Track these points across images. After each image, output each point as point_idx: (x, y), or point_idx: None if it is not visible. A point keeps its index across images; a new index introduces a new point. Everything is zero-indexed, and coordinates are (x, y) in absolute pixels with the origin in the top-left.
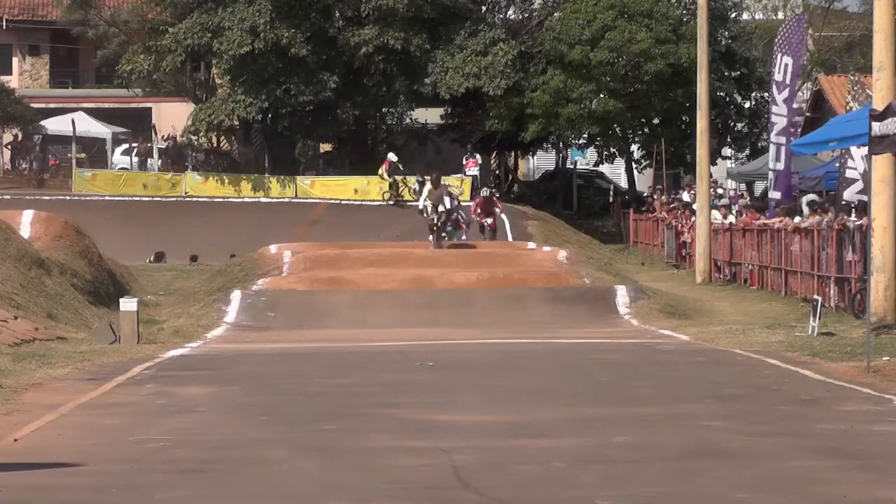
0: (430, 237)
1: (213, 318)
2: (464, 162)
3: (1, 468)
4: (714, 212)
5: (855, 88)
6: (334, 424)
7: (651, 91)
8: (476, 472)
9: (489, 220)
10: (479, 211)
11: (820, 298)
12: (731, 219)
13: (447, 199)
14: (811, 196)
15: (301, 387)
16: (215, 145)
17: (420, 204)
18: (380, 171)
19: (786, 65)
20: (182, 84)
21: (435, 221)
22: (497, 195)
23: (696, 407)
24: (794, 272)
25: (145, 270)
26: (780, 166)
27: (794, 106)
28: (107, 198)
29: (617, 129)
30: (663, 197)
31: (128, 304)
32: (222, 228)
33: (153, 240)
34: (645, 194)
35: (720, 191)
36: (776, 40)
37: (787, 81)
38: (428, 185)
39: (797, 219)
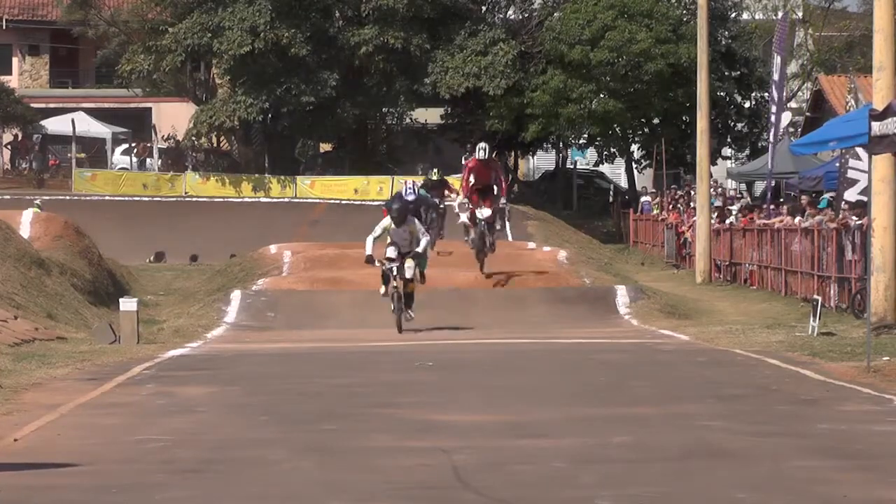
0: (392, 307)
1: (213, 318)
2: (463, 161)
3: (1, 468)
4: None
5: (853, 90)
6: (334, 424)
7: (651, 91)
8: (476, 472)
9: (486, 212)
10: (472, 186)
11: (820, 298)
12: (731, 219)
13: (419, 237)
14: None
15: (301, 387)
16: (215, 145)
17: (369, 247)
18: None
19: (777, 64)
20: (182, 84)
21: (392, 279)
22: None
23: (696, 407)
24: (794, 272)
25: (145, 270)
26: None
27: (794, 105)
28: (107, 198)
29: (617, 129)
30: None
31: (128, 304)
32: (222, 228)
33: (153, 240)
34: (642, 198)
35: (720, 190)
36: (774, 40)
37: (778, 80)
38: (386, 221)
39: (798, 218)
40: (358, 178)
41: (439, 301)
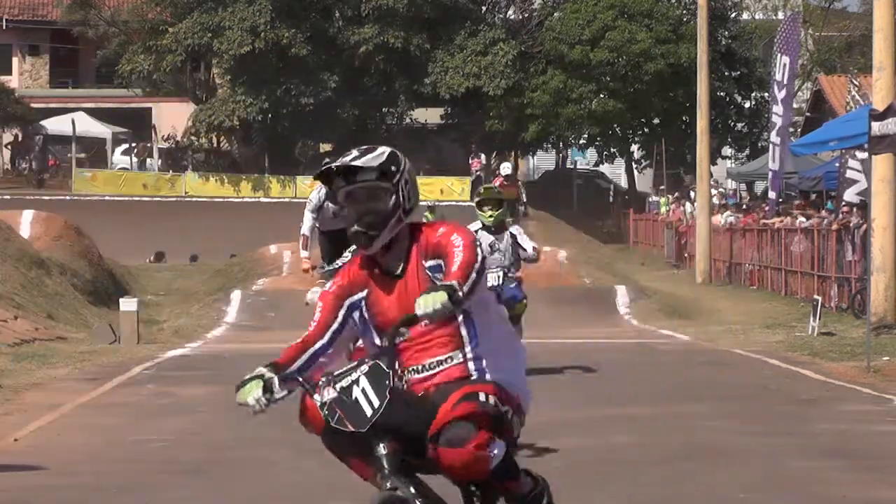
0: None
1: (213, 318)
2: (470, 161)
3: (1, 468)
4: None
5: (855, 91)
6: None
7: (651, 91)
8: None
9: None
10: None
11: (820, 298)
12: (731, 218)
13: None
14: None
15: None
16: (215, 145)
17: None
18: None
19: (784, 64)
20: (182, 84)
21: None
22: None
23: (696, 407)
24: (794, 272)
25: (145, 270)
26: (776, 166)
27: (795, 105)
28: (107, 198)
29: (617, 129)
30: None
31: (128, 304)
32: (222, 228)
33: (153, 240)
34: (651, 198)
35: (720, 190)
36: (776, 40)
37: (785, 81)
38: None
39: (799, 219)
40: None
41: None
